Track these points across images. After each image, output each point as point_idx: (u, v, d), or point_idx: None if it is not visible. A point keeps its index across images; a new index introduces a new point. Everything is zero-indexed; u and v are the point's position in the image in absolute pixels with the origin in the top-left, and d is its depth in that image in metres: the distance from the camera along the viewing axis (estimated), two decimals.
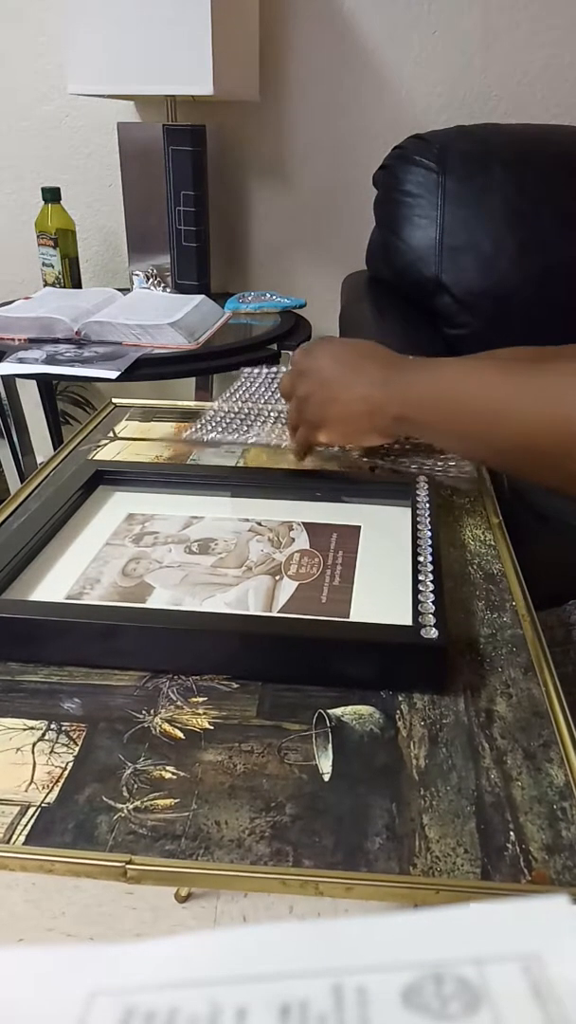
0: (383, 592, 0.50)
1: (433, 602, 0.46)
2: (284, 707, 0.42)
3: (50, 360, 1.20)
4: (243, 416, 0.79)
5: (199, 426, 0.76)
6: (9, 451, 1.63)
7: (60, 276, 1.57)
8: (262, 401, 0.82)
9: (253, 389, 0.85)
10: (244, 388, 0.85)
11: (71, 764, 0.39)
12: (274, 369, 0.90)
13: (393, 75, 1.62)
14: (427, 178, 1.42)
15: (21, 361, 1.20)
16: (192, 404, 0.87)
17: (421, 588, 0.47)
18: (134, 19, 1.35)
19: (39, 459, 1.66)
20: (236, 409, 0.80)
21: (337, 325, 1.47)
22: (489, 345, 0.71)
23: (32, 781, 0.38)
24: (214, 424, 0.77)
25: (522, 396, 0.51)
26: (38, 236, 1.55)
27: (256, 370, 0.89)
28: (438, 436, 0.60)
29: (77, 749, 0.40)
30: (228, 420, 0.78)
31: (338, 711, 0.42)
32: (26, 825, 0.35)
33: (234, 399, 0.83)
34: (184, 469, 0.68)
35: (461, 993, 0.13)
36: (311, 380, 0.64)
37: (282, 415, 0.79)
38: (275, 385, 0.87)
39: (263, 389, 0.85)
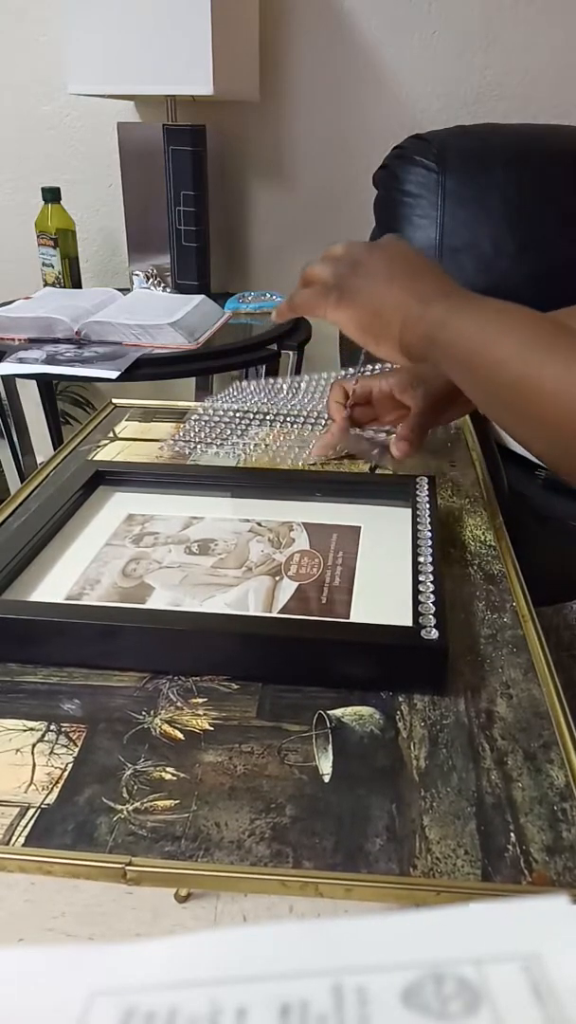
0: (383, 593, 0.50)
1: (433, 603, 0.46)
2: (284, 708, 0.42)
3: (50, 360, 1.20)
4: (228, 418, 0.79)
5: (184, 431, 0.76)
6: (9, 451, 1.63)
7: (60, 276, 1.57)
8: (251, 401, 0.82)
9: (243, 396, 0.85)
10: (234, 395, 0.85)
11: (71, 765, 0.39)
12: (271, 380, 0.89)
13: (393, 75, 1.62)
14: (427, 178, 1.42)
15: (21, 361, 1.20)
16: (192, 404, 0.87)
17: (421, 589, 0.47)
18: (134, 19, 1.35)
19: (39, 459, 1.66)
20: (224, 408, 0.80)
21: None
22: None
23: (32, 782, 0.38)
24: (199, 427, 0.77)
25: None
26: (38, 236, 1.56)
27: (248, 383, 0.89)
28: (457, 380, 0.55)
29: (77, 750, 0.40)
30: (214, 424, 0.78)
31: (338, 712, 0.42)
32: (26, 826, 0.35)
33: (224, 400, 0.83)
34: (184, 469, 0.68)
35: (461, 993, 0.13)
36: (366, 257, 0.59)
37: (279, 416, 0.79)
38: (269, 389, 0.86)
39: (254, 397, 0.85)
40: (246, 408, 0.81)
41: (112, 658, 0.45)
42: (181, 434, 0.76)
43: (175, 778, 0.38)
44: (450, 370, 0.55)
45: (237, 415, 0.79)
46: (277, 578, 0.52)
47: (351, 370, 0.83)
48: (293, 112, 1.67)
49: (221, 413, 0.80)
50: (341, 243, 0.63)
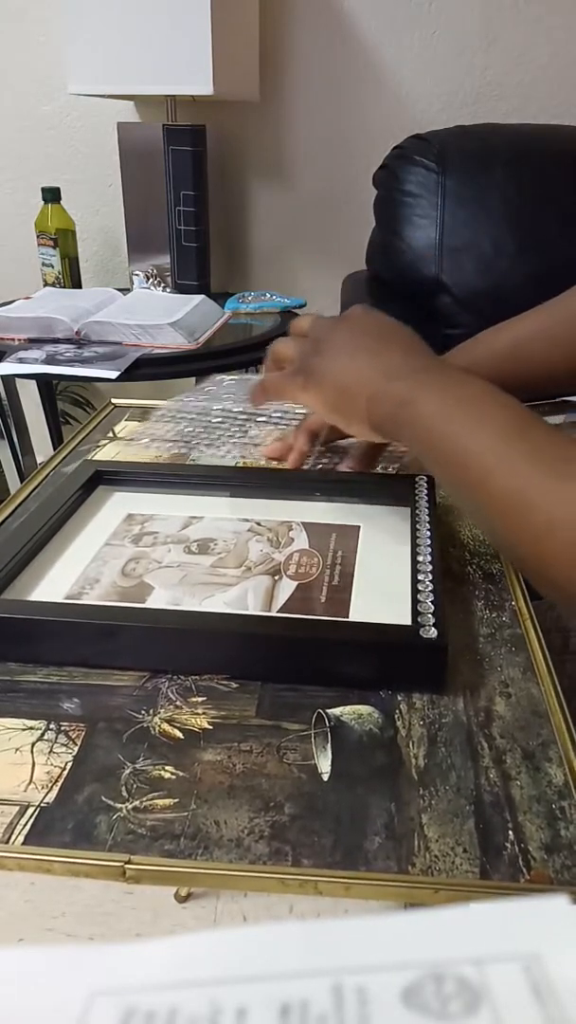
0: (382, 592, 0.50)
1: (432, 602, 0.46)
2: (283, 707, 0.42)
3: (50, 360, 1.20)
4: (229, 418, 0.79)
5: (151, 428, 0.76)
6: (9, 451, 1.64)
7: (60, 276, 1.57)
8: (227, 398, 0.82)
9: (218, 393, 0.85)
10: (208, 393, 0.85)
11: (70, 764, 0.39)
12: (245, 376, 0.89)
13: (393, 75, 1.62)
14: (427, 178, 1.42)
15: (21, 361, 1.20)
16: (160, 403, 0.86)
17: (420, 588, 0.47)
18: (134, 19, 1.35)
19: (39, 459, 1.67)
20: (189, 408, 0.81)
21: None
22: None
23: (31, 781, 0.38)
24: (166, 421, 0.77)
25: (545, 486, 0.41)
26: (38, 236, 1.56)
27: (227, 377, 0.88)
28: (422, 460, 0.52)
29: (76, 749, 0.40)
30: (215, 424, 0.78)
31: (337, 711, 0.42)
32: (25, 825, 0.35)
33: (196, 399, 0.83)
34: (183, 469, 0.68)
35: (461, 993, 0.13)
36: (330, 333, 0.57)
37: (280, 416, 0.79)
38: (238, 394, 0.85)
39: (229, 393, 0.85)
40: (244, 408, 0.81)
41: (111, 657, 0.45)
42: (155, 431, 0.76)
43: (174, 777, 0.38)
44: (414, 450, 0.52)
45: (234, 415, 0.79)
46: (276, 577, 0.52)
47: None
48: (293, 112, 1.67)
49: (187, 411, 0.80)
50: (308, 316, 0.62)
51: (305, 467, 0.67)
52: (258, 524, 0.59)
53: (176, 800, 0.36)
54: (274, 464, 0.70)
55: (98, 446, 0.75)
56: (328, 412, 0.57)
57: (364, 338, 0.56)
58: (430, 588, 0.47)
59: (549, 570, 0.40)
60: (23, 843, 0.34)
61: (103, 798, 0.37)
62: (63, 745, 0.40)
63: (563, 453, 0.41)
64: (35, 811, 0.36)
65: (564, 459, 0.41)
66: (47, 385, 1.65)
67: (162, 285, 1.59)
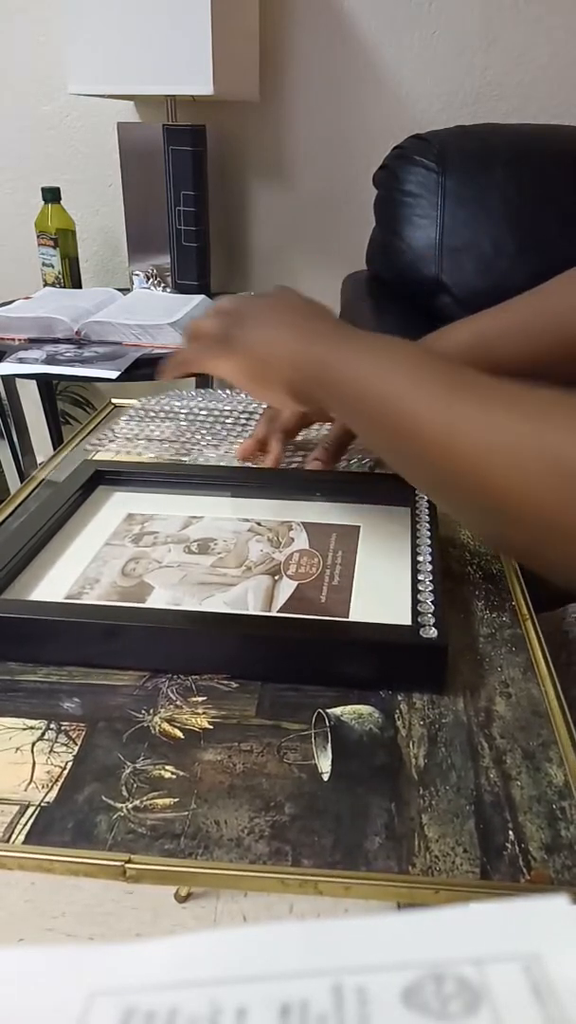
0: (382, 592, 0.50)
1: (432, 602, 0.46)
2: (283, 706, 0.42)
3: (50, 360, 1.20)
4: (230, 419, 0.78)
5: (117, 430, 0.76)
6: (9, 451, 1.64)
7: (60, 276, 1.57)
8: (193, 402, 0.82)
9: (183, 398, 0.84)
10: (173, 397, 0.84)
11: (70, 763, 0.39)
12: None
13: (393, 75, 1.62)
14: (427, 178, 1.42)
15: (21, 361, 1.20)
16: (127, 402, 0.86)
17: (420, 588, 0.47)
18: (134, 19, 1.35)
19: (39, 459, 1.67)
20: (156, 407, 0.80)
21: None
22: None
23: (31, 780, 0.38)
24: (196, 428, 0.77)
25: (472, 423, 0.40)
26: (38, 236, 1.56)
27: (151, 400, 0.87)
28: (346, 420, 0.51)
29: (76, 748, 0.40)
30: (215, 424, 0.78)
31: (337, 711, 0.42)
32: (25, 824, 0.35)
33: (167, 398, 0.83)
34: (183, 469, 0.68)
35: (461, 993, 0.13)
36: (252, 307, 0.57)
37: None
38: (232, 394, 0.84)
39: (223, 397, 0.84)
40: (236, 408, 0.81)
41: (112, 657, 0.45)
42: (114, 432, 0.76)
43: (174, 776, 0.38)
44: (337, 410, 0.51)
45: (234, 415, 0.79)
46: (276, 577, 0.52)
47: None
48: (293, 112, 1.67)
49: (155, 410, 0.80)
50: (228, 297, 0.62)
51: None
52: (258, 524, 0.59)
53: (176, 800, 0.37)
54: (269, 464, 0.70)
55: (98, 446, 0.75)
56: (246, 381, 0.57)
57: (287, 313, 0.56)
58: (430, 588, 0.47)
59: (545, 517, 0.37)
60: (23, 842, 0.34)
61: (103, 798, 0.37)
62: (63, 745, 0.40)
63: (517, 400, 0.39)
64: (35, 810, 0.36)
65: (520, 405, 0.39)
66: (47, 385, 1.65)
67: (162, 285, 1.59)
